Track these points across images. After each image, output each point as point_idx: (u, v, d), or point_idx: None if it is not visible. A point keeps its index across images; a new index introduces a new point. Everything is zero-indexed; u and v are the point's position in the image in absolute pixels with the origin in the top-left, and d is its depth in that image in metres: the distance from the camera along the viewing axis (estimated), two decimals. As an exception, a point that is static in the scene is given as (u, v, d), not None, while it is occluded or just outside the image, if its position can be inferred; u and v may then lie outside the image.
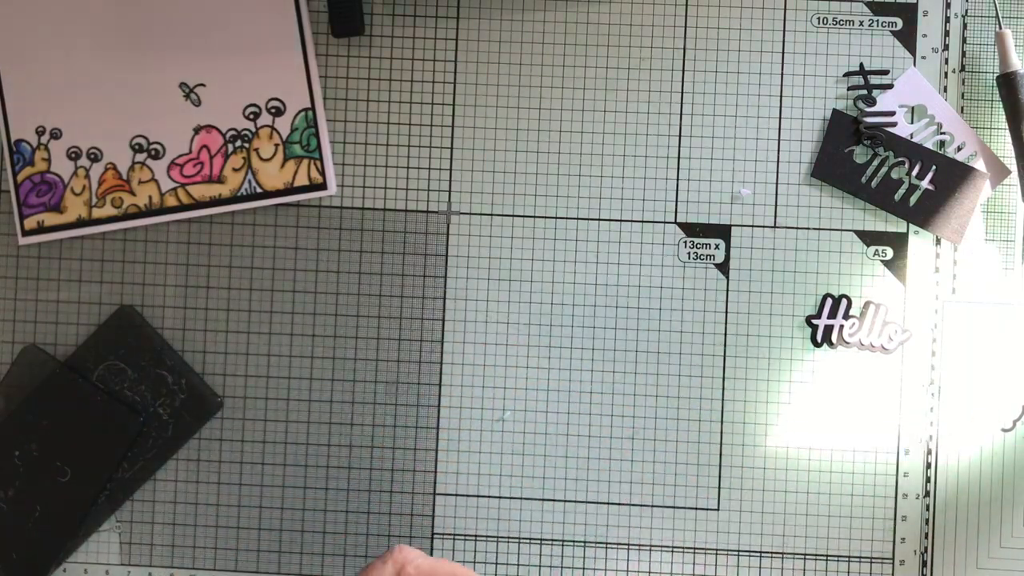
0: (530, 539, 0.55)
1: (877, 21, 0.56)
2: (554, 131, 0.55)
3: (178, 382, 0.55)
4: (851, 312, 0.55)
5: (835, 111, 0.55)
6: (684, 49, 0.56)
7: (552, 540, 0.55)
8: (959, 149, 0.55)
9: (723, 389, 0.55)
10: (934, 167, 0.55)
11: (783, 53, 0.56)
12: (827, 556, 0.54)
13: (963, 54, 0.56)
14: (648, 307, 0.55)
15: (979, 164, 0.55)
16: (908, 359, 0.55)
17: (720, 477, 0.55)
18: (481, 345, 0.55)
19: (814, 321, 0.55)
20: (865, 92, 0.55)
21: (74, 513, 0.54)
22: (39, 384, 0.54)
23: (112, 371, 0.55)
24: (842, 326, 0.55)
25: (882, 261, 0.55)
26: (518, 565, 0.55)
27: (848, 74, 0.56)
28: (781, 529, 0.55)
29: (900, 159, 0.55)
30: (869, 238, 0.55)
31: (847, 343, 0.55)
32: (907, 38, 0.56)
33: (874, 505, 0.55)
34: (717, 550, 0.55)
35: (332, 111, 0.56)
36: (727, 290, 0.55)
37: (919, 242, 0.55)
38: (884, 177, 0.55)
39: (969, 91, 0.56)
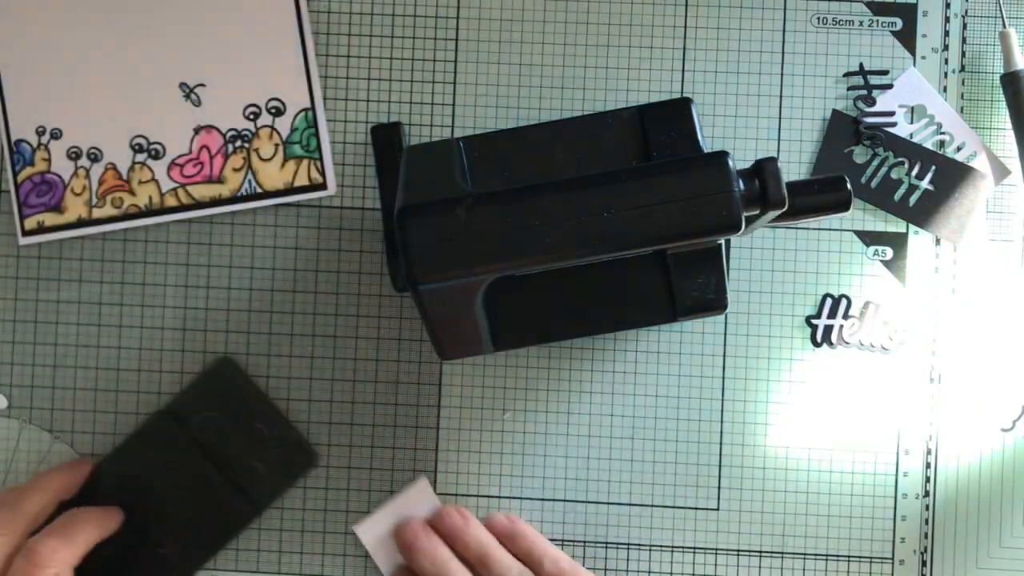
0: (530, 539, 0.55)
1: (877, 21, 0.56)
2: (554, 131, 0.55)
3: (275, 435, 0.54)
4: (851, 312, 0.55)
5: (835, 111, 0.55)
6: (684, 49, 0.56)
7: (552, 540, 0.55)
8: (959, 149, 0.55)
9: (723, 389, 0.55)
10: (934, 167, 0.55)
11: (783, 53, 0.56)
12: (827, 556, 0.54)
13: (963, 54, 0.56)
14: (648, 307, 0.55)
15: (979, 164, 0.55)
16: (908, 359, 0.55)
17: (720, 477, 0.55)
18: (481, 345, 0.55)
19: (814, 321, 0.55)
20: (865, 92, 0.55)
21: (229, 525, 0.54)
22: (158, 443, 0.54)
23: (209, 421, 0.54)
24: (842, 326, 0.55)
25: (882, 261, 0.55)
26: (518, 565, 0.55)
27: (848, 74, 0.56)
28: (781, 529, 0.55)
29: (900, 159, 0.55)
30: (869, 238, 0.55)
31: (847, 343, 0.55)
32: (907, 38, 0.56)
33: (874, 505, 0.55)
34: (717, 550, 0.55)
35: (332, 111, 0.56)
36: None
37: (919, 242, 0.55)
38: (884, 177, 0.55)
39: (969, 91, 0.56)
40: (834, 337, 0.55)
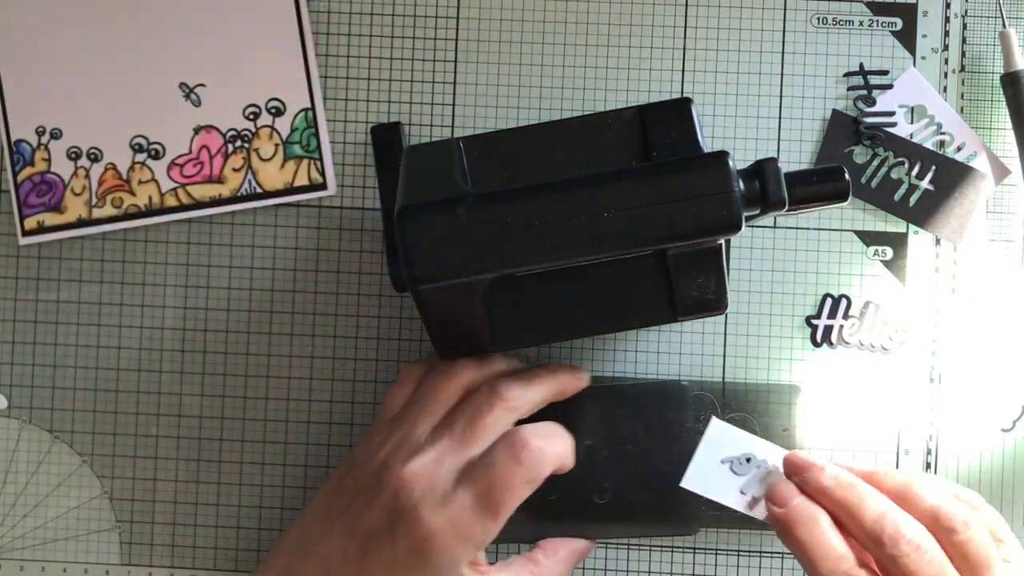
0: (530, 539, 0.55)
1: (877, 21, 0.56)
2: (554, 131, 0.55)
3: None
4: (851, 312, 0.55)
5: (835, 111, 0.55)
6: (684, 49, 0.56)
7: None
8: (959, 149, 0.55)
9: (723, 389, 0.55)
10: (934, 167, 0.55)
11: (783, 53, 0.56)
12: (827, 556, 0.54)
13: (963, 54, 0.56)
14: (648, 307, 0.55)
15: (979, 164, 0.55)
16: (908, 359, 0.55)
17: (720, 477, 0.55)
18: (481, 345, 0.55)
19: (814, 321, 0.55)
20: (865, 92, 0.55)
21: (582, 530, 0.52)
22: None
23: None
24: (842, 326, 0.55)
25: (882, 261, 0.55)
26: (518, 565, 0.55)
27: (848, 74, 0.56)
28: (781, 529, 0.55)
29: (900, 159, 0.55)
30: (869, 238, 0.55)
31: (847, 343, 0.55)
32: (907, 38, 0.56)
33: (874, 505, 0.55)
34: (717, 550, 0.55)
35: (332, 111, 0.56)
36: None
37: (919, 242, 0.55)
38: (884, 177, 0.55)
39: (969, 91, 0.56)
40: (834, 337, 0.55)
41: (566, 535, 0.52)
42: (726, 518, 0.51)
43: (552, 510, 0.51)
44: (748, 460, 0.49)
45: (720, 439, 0.49)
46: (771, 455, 0.49)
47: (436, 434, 0.46)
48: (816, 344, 0.55)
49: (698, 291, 0.45)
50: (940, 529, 0.43)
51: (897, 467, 0.55)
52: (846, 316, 0.55)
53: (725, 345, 0.55)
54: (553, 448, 0.46)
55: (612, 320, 0.47)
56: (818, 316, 0.55)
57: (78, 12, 0.56)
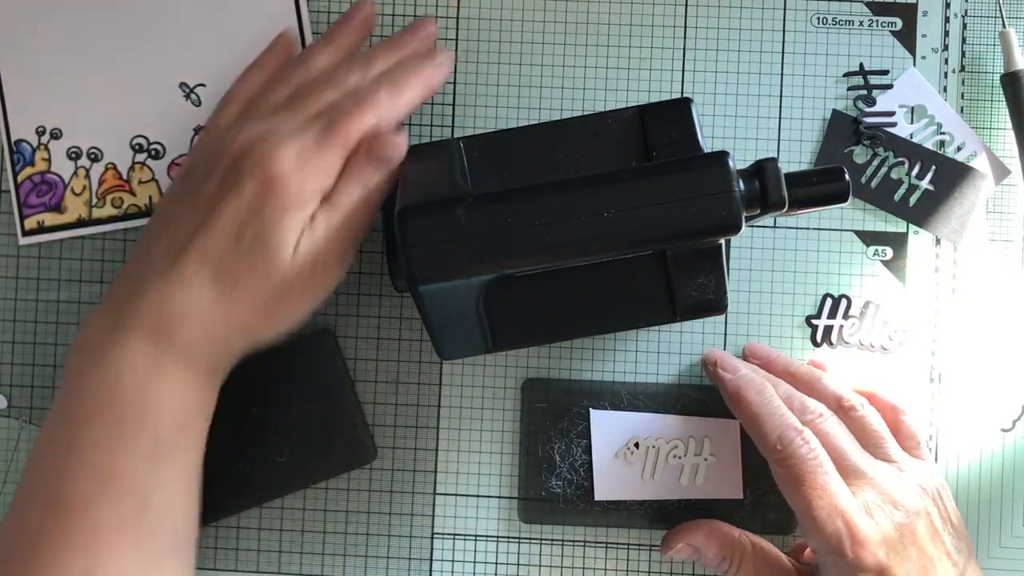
0: (530, 539, 0.55)
1: (877, 21, 0.56)
2: (554, 131, 0.55)
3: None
4: (851, 312, 0.55)
5: (835, 111, 0.55)
6: (684, 49, 0.56)
7: (552, 540, 0.55)
8: (959, 149, 0.55)
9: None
10: (934, 167, 0.55)
11: (783, 53, 0.56)
12: (827, 556, 0.54)
13: (963, 54, 0.56)
14: (648, 307, 0.55)
15: (979, 164, 0.55)
16: (908, 359, 0.55)
17: (720, 477, 0.55)
18: (481, 345, 0.55)
19: (814, 321, 0.55)
20: (865, 92, 0.55)
21: (267, 491, 0.54)
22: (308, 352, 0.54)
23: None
24: (842, 326, 0.55)
25: (882, 261, 0.55)
26: (518, 565, 0.55)
27: (848, 74, 0.56)
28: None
29: (900, 159, 0.55)
30: (869, 238, 0.55)
31: (847, 343, 0.55)
32: (907, 38, 0.56)
33: (874, 505, 0.55)
34: (717, 550, 0.55)
35: (332, 111, 0.56)
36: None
37: (919, 242, 0.55)
38: (884, 177, 0.55)
39: (969, 91, 0.56)
40: (834, 337, 0.55)
41: (259, 499, 0.54)
42: (647, 513, 0.54)
43: (241, 480, 0.54)
44: (636, 446, 0.53)
45: (604, 428, 0.52)
46: (658, 429, 0.51)
47: (274, 110, 0.48)
48: (816, 344, 0.55)
49: (698, 291, 0.45)
50: (841, 409, 0.51)
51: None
52: (846, 316, 0.55)
53: (725, 345, 0.55)
54: (399, 90, 0.48)
55: (612, 320, 0.47)
56: (818, 316, 0.55)
57: (78, 12, 0.56)
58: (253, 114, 0.49)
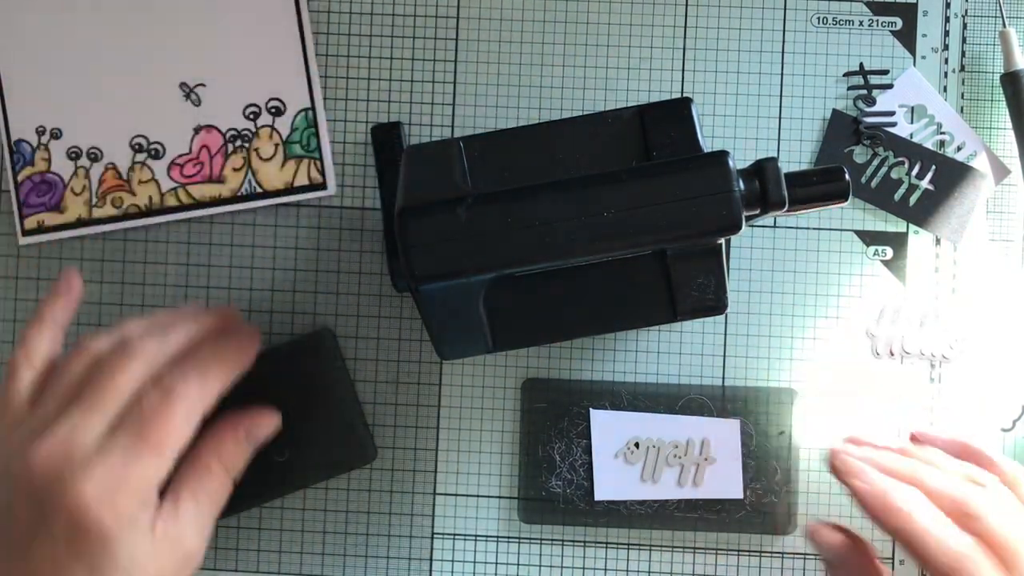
0: (530, 539, 0.55)
1: (877, 21, 0.56)
2: (554, 131, 0.55)
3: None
4: (908, 321, 0.55)
5: (835, 111, 0.55)
6: (684, 49, 0.56)
7: (552, 540, 0.55)
8: (959, 149, 0.55)
9: (723, 389, 0.55)
10: (934, 167, 0.55)
11: (783, 53, 0.56)
12: (827, 556, 0.54)
13: (963, 54, 0.56)
14: (648, 307, 0.55)
15: (979, 164, 0.55)
16: (907, 359, 0.55)
17: (720, 477, 0.55)
18: (481, 345, 0.55)
19: (873, 332, 0.55)
20: (865, 92, 0.55)
21: (267, 491, 0.54)
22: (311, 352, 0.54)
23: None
24: (903, 336, 0.54)
25: (882, 261, 0.55)
26: (518, 565, 0.55)
27: (848, 74, 0.56)
28: (781, 529, 0.55)
29: (900, 159, 0.55)
30: (869, 238, 0.55)
31: (907, 353, 0.54)
32: (907, 38, 0.56)
33: (874, 505, 0.55)
34: (717, 550, 0.55)
35: (332, 111, 0.56)
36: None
37: (919, 242, 0.55)
38: (884, 177, 0.55)
39: (969, 91, 0.56)
40: (895, 348, 0.55)
41: (259, 499, 0.54)
42: (647, 513, 0.54)
43: (241, 480, 0.51)
44: (636, 446, 0.52)
45: (604, 428, 0.52)
46: (658, 429, 0.51)
47: (64, 407, 0.42)
48: (876, 355, 0.55)
49: (698, 291, 0.45)
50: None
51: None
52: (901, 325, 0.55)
53: (725, 345, 0.55)
54: (207, 377, 0.43)
55: (612, 320, 0.47)
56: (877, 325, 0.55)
57: (78, 12, 0.56)
58: (43, 411, 0.42)
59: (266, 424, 0.48)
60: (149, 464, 0.41)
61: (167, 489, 0.43)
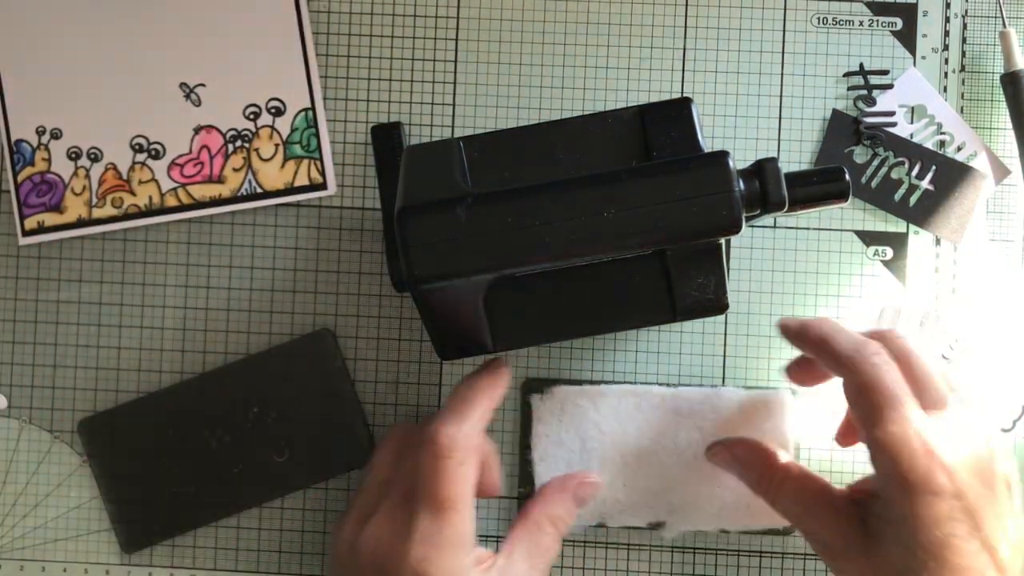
0: (530, 539, 0.55)
1: (877, 21, 0.56)
2: (554, 131, 0.55)
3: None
4: (909, 322, 0.55)
5: (835, 111, 0.55)
6: (684, 49, 0.56)
7: (552, 540, 0.55)
8: (959, 149, 0.55)
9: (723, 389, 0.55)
10: (934, 167, 0.55)
11: (783, 53, 0.56)
12: (827, 556, 0.54)
13: (963, 54, 0.56)
14: (648, 307, 0.55)
15: (979, 164, 0.55)
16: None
17: (720, 477, 0.55)
18: (481, 345, 0.55)
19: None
20: (865, 92, 0.55)
21: (267, 491, 0.54)
22: (307, 350, 0.54)
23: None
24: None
25: (882, 261, 0.55)
26: (518, 565, 0.55)
27: (848, 74, 0.56)
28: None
29: (900, 159, 0.55)
30: (869, 238, 0.55)
31: None
32: (907, 38, 0.56)
33: (874, 505, 0.55)
34: (717, 550, 0.55)
35: (332, 111, 0.56)
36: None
37: (919, 242, 0.55)
38: (884, 177, 0.55)
39: (969, 91, 0.56)
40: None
41: (259, 499, 0.54)
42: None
43: (241, 480, 0.54)
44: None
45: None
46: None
47: (386, 502, 0.47)
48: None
49: (698, 291, 0.45)
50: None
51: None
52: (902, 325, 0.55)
53: (725, 345, 0.55)
54: (461, 420, 0.46)
55: (612, 320, 0.47)
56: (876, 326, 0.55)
57: (78, 12, 0.56)
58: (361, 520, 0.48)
59: (591, 486, 0.52)
60: (450, 520, 0.45)
61: (503, 545, 0.48)
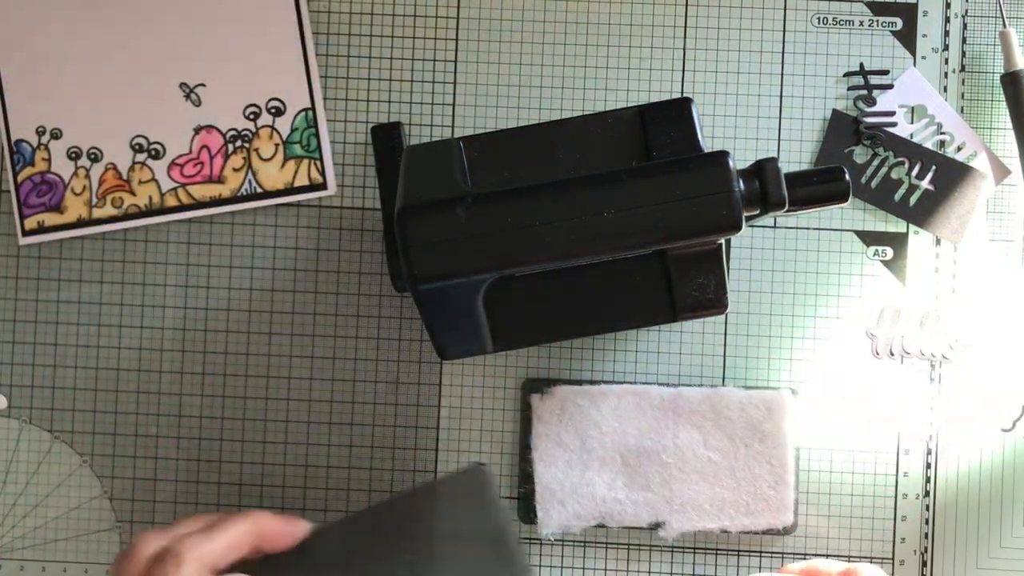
0: (530, 539, 0.55)
1: (877, 21, 0.56)
2: (554, 131, 0.55)
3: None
4: (908, 321, 0.55)
5: (835, 111, 0.55)
6: (684, 49, 0.56)
7: (552, 540, 0.55)
8: (959, 149, 0.55)
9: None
10: (934, 167, 0.55)
11: (783, 53, 0.56)
12: (827, 556, 0.54)
13: (963, 54, 0.56)
14: (648, 307, 0.55)
15: (979, 164, 0.55)
16: (907, 359, 0.55)
17: (720, 477, 0.55)
18: (481, 345, 0.55)
19: (874, 332, 0.55)
20: (865, 92, 0.55)
21: None
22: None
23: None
24: (903, 336, 0.54)
25: (882, 261, 0.55)
26: (518, 565, 0.55)
27: (848, 74, 0.56)
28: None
29: (900, 159, 0.55)
30: (869, 238, 0.55)
31: (907, 353, 0.55)
32: (907, 38, 0.56)
33: (874, 505, 0.55)
34: (717, 550, 0.55)
35: (332, 111, 0.56)
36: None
37: (919, 242, 0.55)
38: (884, 177, 0.55)
39: (969, 91, 0.56)
40: (895, 348, 0.55)
41: None
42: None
43: None
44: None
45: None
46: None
47: None
48: (876, 355, 0.55)
49: (698, 291, 0.45)
50: None
51: (897, 467, 0.55)
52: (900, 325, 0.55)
53: (725, 345, 0.55)
54: (210, 541, 0.43)
55: (612, 320, 0.47)
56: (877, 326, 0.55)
57: (78, 13, 0.56)
58: None
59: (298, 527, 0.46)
60: None
61: None
